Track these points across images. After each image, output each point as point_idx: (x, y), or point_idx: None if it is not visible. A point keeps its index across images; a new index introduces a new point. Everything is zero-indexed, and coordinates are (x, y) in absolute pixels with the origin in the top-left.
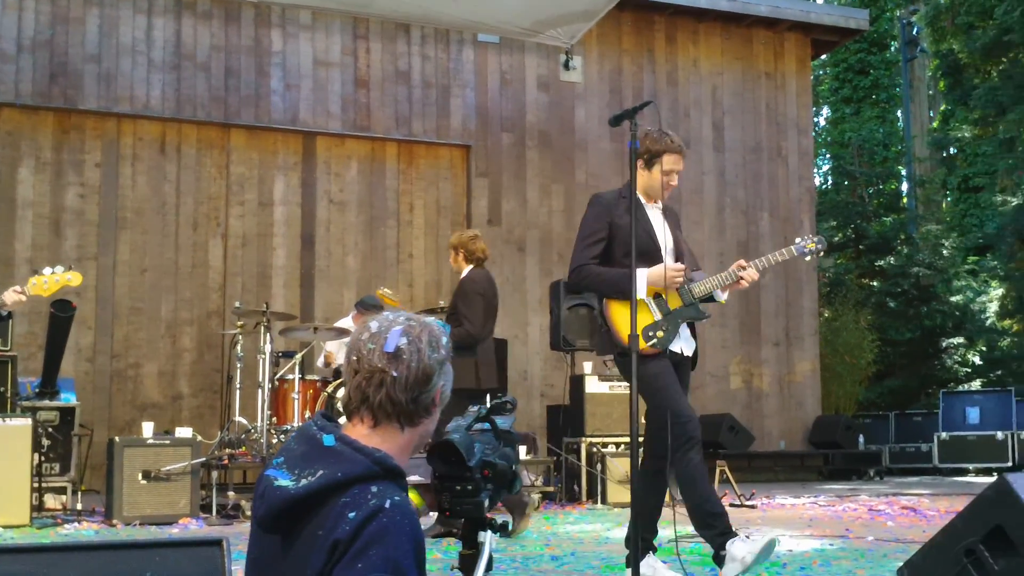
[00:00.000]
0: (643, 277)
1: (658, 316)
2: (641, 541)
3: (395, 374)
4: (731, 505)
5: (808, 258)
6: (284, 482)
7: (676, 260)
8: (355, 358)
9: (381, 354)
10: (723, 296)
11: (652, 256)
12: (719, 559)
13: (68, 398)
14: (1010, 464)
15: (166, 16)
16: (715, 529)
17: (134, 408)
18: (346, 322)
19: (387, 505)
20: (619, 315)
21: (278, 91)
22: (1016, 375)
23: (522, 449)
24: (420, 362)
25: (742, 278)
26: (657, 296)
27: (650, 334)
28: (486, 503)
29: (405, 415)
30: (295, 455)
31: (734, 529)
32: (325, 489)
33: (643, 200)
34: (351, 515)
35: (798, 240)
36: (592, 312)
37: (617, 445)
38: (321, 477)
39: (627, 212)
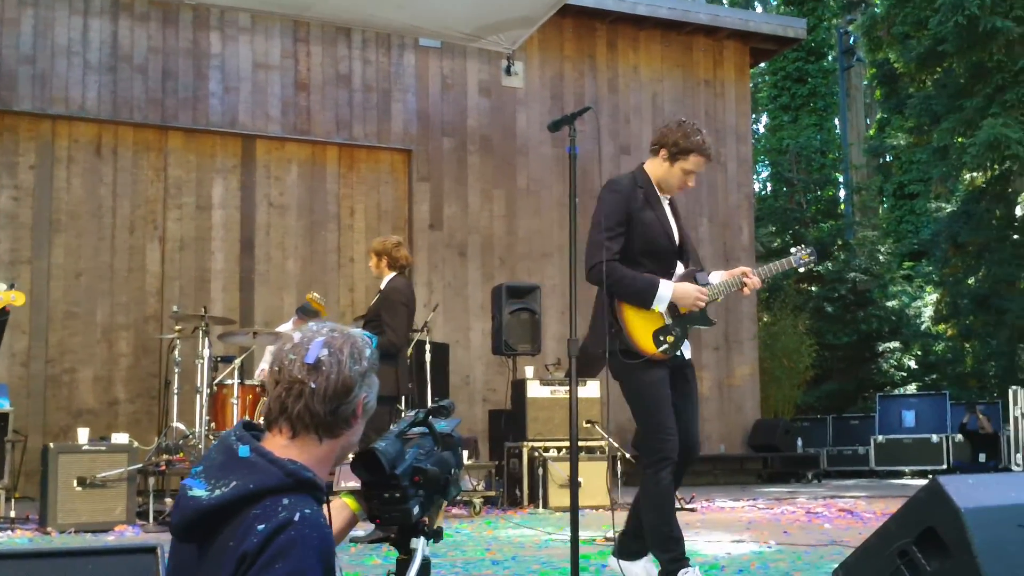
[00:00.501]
0: (668, 292)
1: (668, 321)
2: (636, 543)
3: (313, 385)
4: None
5: (802, 269)
6: (199, 492)
7: (681, 258)
8: (276, 368)
9: (301, 365)
10: (720, 296)
11: (668, 257)
12: None
13: (1, 403)
14: (945, 466)
15: (103, 17)
16: (671, 553)
17: (69, 414)
18: (286, 327)
19: (296, 518)
20: (633, 317)
21: (217, 93)
22: (951, 379)
23: (464, 453)
24: (340, 374)
25: (746, 284)
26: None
27: (661, 339)
28: (415, 510)
29: (324, 427)
30: (214, 465)
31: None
32: (237, 500)
33: (658, 192)
34: (260, 527)
35: (793, 250)
36: (535, 317)
37: (558, 449)
38: (233, 488)
39: (646, 205)
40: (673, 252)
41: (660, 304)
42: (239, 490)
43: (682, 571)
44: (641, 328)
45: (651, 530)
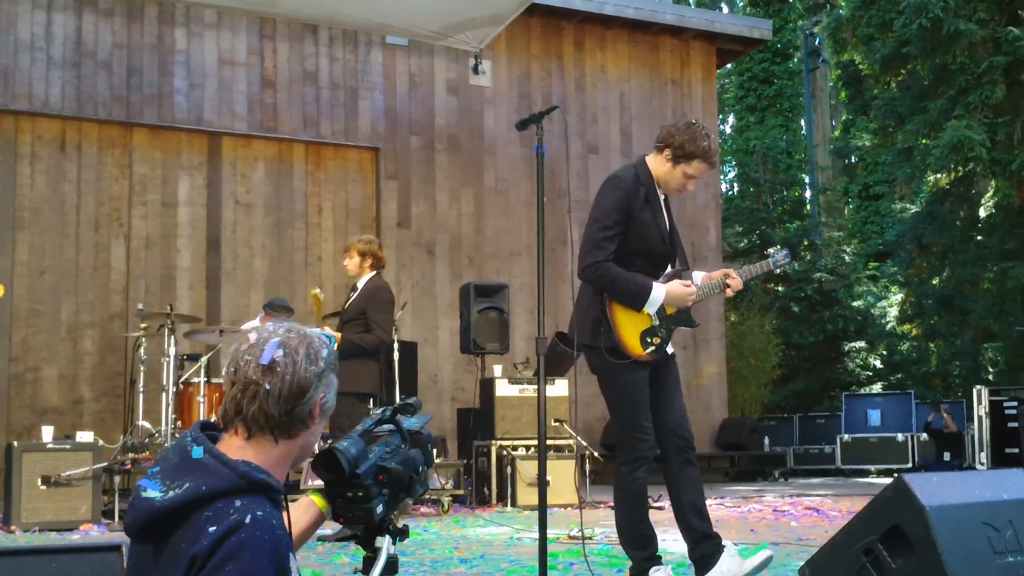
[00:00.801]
0: (661, 294)
1: (656, 322)
2: (705, 545)
3: (268, 387)
4: None
5: (778, 270)
6: (153, 493)
7: (671, 259)
8: (232, 369)
9: (256, 366)
10: (704, 297)
11: (660, 259)
12: None
13: None
14: (910, 465)
15: (66, 12)
16: (645, 552)
17: (33, 412)
18: (253, 324)
19: (247, 520)
20: (622, 318)
21: (182, 90)
22: (916, 378)
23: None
24: (295, 375)
25: (728, 286)
26: None
27: (648, 340)
28: (378, 509)
29: (279, 428)
30: (169, 465)
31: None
32: (189, 502)
33: (657, 190)
34: (211, 530)
35: (771, 251)
36: (503, 315)
37: (527, 448)
38: (186, 490)
39: (645, 204)
40: (665, 254)
41: (652, 307)
42: (191, 492)
43: (654, 569)
44: (630, 329)
45: (624, 527)
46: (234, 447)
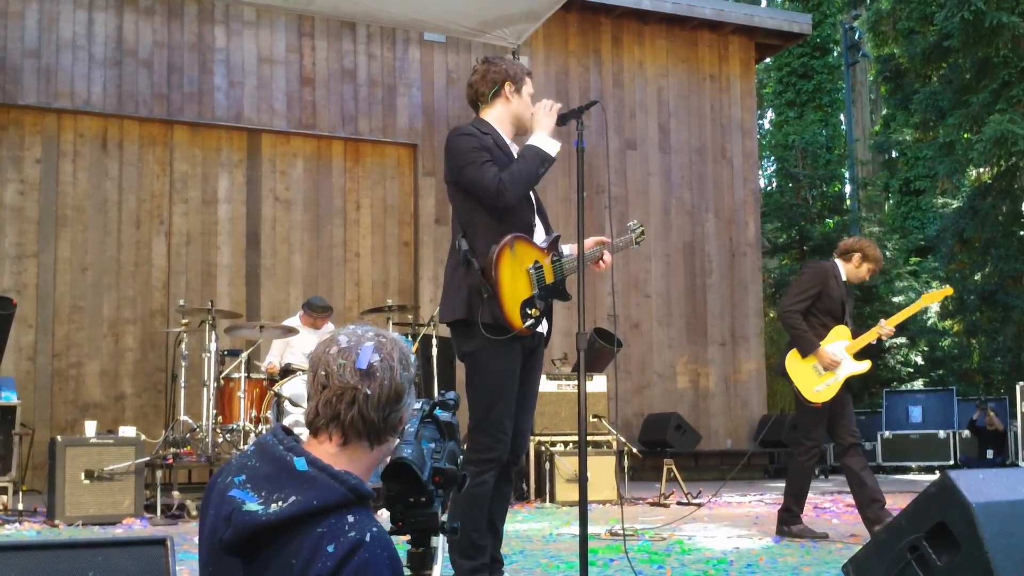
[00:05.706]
0: (546, 138)
1: (536, 291)
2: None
3: (368, 392)
4: (678, 503)
5: (637, 245)
6: (252, 506)
7: (539, 217)
8: (323, 373)
9: (353, 371)
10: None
11: (525, 204)
12: None
13: (8, 397)
14: (952, 462)
15: (107, 11)
16: (473, 562)
17: (76, 407)
18: (293, 321)
19: (367, 539)
20: (506, 283)
21: (222, 88)
22: (957, 375)
23: None
24: (392, 380)
25: (601, 259)
26: (537, 266)
27: (528, 311)
28: (439, 512)
29: (375, 433)
30: (259, 475)
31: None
32: (299, 517)
33: (507, 139)
34: (330, 548)
35: (631, 224)
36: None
37: (565, 444)
38: (294, 504)
39: (497, 148)
40: (529, 199)
41: (552, 148)
42: (301, 506)
43: None
44: (512, 297)
45: (459, 534)
46: (326, 454)
